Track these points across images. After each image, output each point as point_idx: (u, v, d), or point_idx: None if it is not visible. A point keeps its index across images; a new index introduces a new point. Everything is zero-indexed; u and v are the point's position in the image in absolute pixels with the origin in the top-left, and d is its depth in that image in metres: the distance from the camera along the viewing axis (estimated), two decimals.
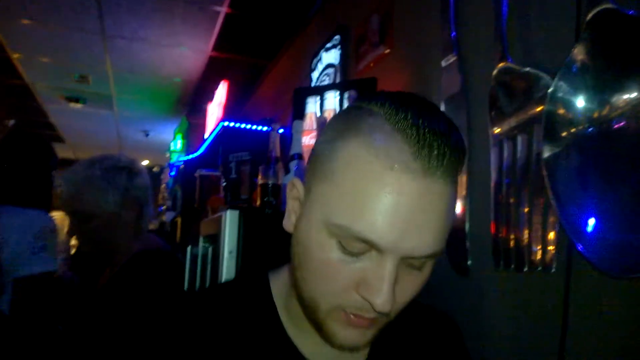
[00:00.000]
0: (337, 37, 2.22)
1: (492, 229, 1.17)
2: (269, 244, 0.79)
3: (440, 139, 0.43)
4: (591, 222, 0.83)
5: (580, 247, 0.84)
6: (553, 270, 1.01)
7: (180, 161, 3.97)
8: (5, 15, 3.14)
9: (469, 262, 1.29)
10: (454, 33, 1.39)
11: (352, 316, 0.48)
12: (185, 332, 0.54)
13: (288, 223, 0.54)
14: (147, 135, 6.06)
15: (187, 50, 3.47)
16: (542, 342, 1.04)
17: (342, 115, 0.51)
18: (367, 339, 0.50)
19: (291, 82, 2.93)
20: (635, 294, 0.82)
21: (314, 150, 0.52)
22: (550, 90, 0.93)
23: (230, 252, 1.22)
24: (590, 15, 0.87)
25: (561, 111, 0.92)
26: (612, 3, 0.83)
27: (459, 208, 1.34)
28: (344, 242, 0.45)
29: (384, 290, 0.44)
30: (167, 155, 4.50)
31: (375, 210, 0.43)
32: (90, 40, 3.40)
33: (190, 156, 3.70)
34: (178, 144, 4.48)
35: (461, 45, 1.38)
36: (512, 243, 1.12)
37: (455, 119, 1.36)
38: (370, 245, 0.45)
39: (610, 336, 0.89)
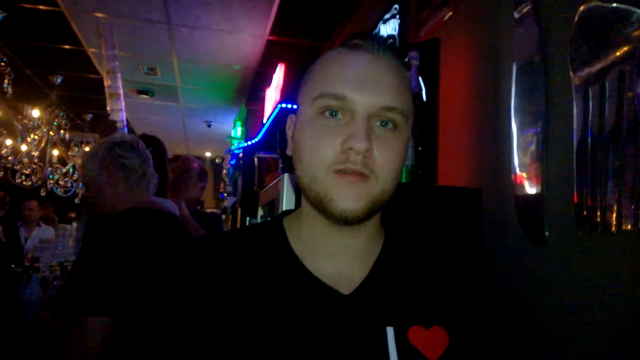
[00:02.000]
0: (396, 6, 2.12)
1: (575, 191, 1.05)
2: None
3: (381, 40, 0.66)
4: None
5: None
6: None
7: (240, 148, 4.04)
8: (79, 10, 3.34)
9: (546, 231, 1.17)
10: None
11: (344, 174, 0.57)
12: (204, 265, 0.63)
13: (289, 149, 0.66)
14: (209, 126, 6.24)
15: (245, 36, 3.50)
16: (631, 314, 0.91)
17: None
18: (361, 202, 0.58)
19: None
20: None
21: (302, 79, 0.66)
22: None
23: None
24: None
25: None
26: None
27: (534, 174, 1.22)
28: (323, 106, 0.59)
29: (358, 133, 0.57)
30: (228, 142, 4.60)
31: (340, 76, 0.60)
32: (157, 31, 3.54)
33: (250, 142, 3.75)
34: (238, 131, 4.57)
35: None
36: (598, 204, 0.99)
37: (530, 79, 1.26)
38: (342, 100, 0.58)
39: None
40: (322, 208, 0.60)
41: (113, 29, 2.42)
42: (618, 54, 0.96)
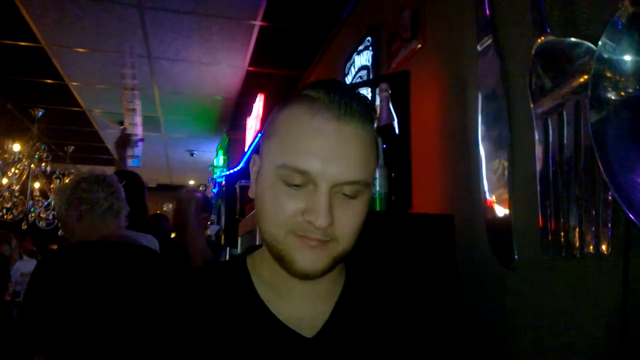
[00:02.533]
0: (369, 38, 2.20)
1: (540, 215, 1.09)
2: None
3: (347, 98, 0.59)
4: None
5: (633, 217, 0.75)
6: (608, 253, 0.91)
7: (222, 176, 4.05)
8: (61, 45, 3.37)
9: (515, 255, 1.20)
10: (488, 11, 1.33)
11: (303, 239, 0.58)
12: (167, 304, 0.63)
13: (251, 191, 0.67)
14: (192, 154, 6.25)
15: (225, 67, 3.56)
16: (599, 332, 0.93)
17: (281, 101, 0.65)
18: (323, 263, 0.59)
19: None
20: None
21: (265, 125, 0.66)
22: (596, 50, 0.85)
23: None
24: None
25: (609, 74, 0.83)
26: None
27: (501, 199, 1.26)
28: (286, 178, 0.58)
29: (321, 209, 0.56)
30: (211, 171, 4.61)
31: (305, 148, 0.57)
32: (138, 64, 3.58)
33: (231, 171, 3.76)
34: (220, 160, 4.59)
35: (497, 25, 1.32)
36: (561, 227, 1.03)
37: (494, 107, 1.31)
38: (305, 175, 0.57)
39: None
40: (284, 264, 0.60)
41: (135, 50, 2.48)
42: (574, 84, 1.01)
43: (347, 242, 0.60)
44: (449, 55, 1.63)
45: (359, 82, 2.07)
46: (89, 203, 1.49)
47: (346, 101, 0.58)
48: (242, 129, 3.91)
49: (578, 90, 0.99)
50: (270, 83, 3.60)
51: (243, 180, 2.94)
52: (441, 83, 1.66)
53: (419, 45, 1.79)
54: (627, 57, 0.80)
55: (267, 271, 0.65)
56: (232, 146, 4.44)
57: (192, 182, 8.09)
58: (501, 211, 1.26)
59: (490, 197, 1.30)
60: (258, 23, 2.86)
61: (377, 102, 1.42)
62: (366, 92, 1.70)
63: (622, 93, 0.80)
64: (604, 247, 0.92)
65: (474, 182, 1.38)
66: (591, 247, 0.95)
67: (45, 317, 1.26)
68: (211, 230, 4.07)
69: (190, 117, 4.79)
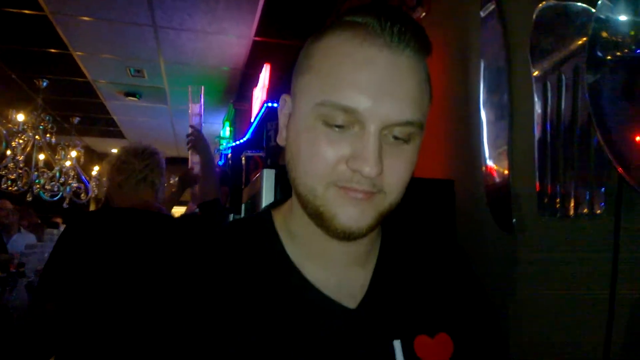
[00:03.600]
0: None
1: (537, 177, 1.12)
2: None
3: (402, 21, 0.49)
4: (638, 141, 0.77)
5: (626, 174, 0.78)
6: (600, 212, 0.95)
7: (229, 148, 4.08)
8: (66, 14, 3.36)
9: (513, 217, 1.24)
10: None
11: (347, 190, 0.50)
12: (195, 270, 0.56)
13: (280, 138, 0.58)
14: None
15: (231, 37, 3.54)
16: (592, 289, 0.98)
17: (321, 30, 0.55)
18: (369, 219, 0.51)
19: None
20: None
21: (296, 63, 0.56)
22: (594, 12, 0.86)
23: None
24: None
25: (605, 34, 0.85)
26: None
27: (501, 165, 1.29)
28: (328, 118, 0.49)
29: (369, 154, 0.48)
30: (217, 142, 4.64)
31: (351, 81, 0.48)
32: (143, 34, 3.57)
33: (238, 142, 3.79)
34: (227, 131, 4.60)
35: None
36: (557, 190, 1.06)
37: (496, 74, 1.32)
38: (351, 114, 0.48)
39: None
40: (321, 222, 0.52)
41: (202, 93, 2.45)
42: (572, 46, 1.03)
43: (396, 195, 0.52)
44: (453, 23, 1.63)
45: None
46: (125, 173, 1.59)
47: (400, 27, 0.49)
48: (249, 100, 3.91)
49: (576, 52, 1.01)
50: (277, 53, 3.58)
51: (249, 151, 2.96)
52: (445, 50, 1.67)
53: (424, 14, 1.79)
54: (623, 18, 0.81)
55: (299, 230, 0.57)
56: (239, 117, 4.44)
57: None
58: (501, 176, 1.29)
59: (490, 163, 1.33)
60: None
61: None
62: None
63: (618, 53, 0.82)
64: (597, 208, 0.96)
65: (475, 148, 1.40)
66: (585, 209, 0.99)
67: (65, 272, 1.37)
68: None
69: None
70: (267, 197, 1.24)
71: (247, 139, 3.64)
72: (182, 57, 3.96)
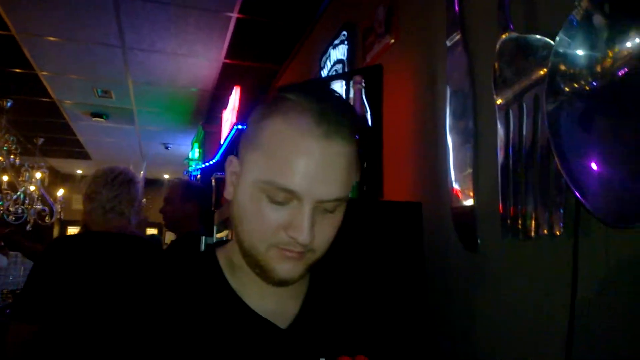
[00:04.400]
0: (344, 32, 2.24)
1: (500, 199, 1.16)
2: None
3: (335, 113, 0.59)
4: (594, 172, 0.81)
5: (582, 199, 0.82)
6: (560, 233, 0.99)
7: (198, 169, 4.03)
8: (33, 34, 3.29)
9: (478, 239, 1.27)
10: (457, 8, 1.39)
11: (284, 251, 0.60)
12: (141, 299, 0.64)
13: (227, 193, 0.66)
14: (166, 148, 6.19)
15: (201, 60, 3.55)
16: (552, 308, 1.01)
17: (266, 102, 0.64)
18: (299, 271, 0.62)
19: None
20: None
21: (246, 129, 0.66)
22: (554, 45, 0.92)
23: None
24: None
25: (563, 67, 0.90)
26: None
27: (466, 188, 1.33)
28: (271, 194, 0.59)
29: (304, 227, 0.58)
30: (186, 164, 4.58)
31: (292, 166, 0.57)
32: (111, 55, 3.53)
33: (207, 164, 3.76)
34: (196, 153, 4.56)
35: (465, 21, 1.38)
36: (519, 213, 1.10)
37: (461, 101, 1.38)
38: (291, 194, 0.58)
39: (621, 291, 0.86)
40: (260, 272, 0.62)
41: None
42: (533, 77, 1.08)
43: (323, 252, 0.63)
44: (420, 50, 1.70)
45: (334, 75, 2.12)
46: (94, 203, 1.61)
47: (336, 118, 0.58)
48: (218, 121, 3.90)
49: (537, 83, 1.06)
50: (247, 76, 3.61)
51: (219, 173, 2.94)
52: (412, 77, 1.73)
53: (392, 40, 1.85)
54: (580, 52, 0.86)
55: (240, 271, 0.66)
56: (208, 139, 4.42)
57: (166, 176, 8.00)
58: (466, 199, 1.33)
59: (456, 186, 1.37)
60: (235, 15, 2.87)
61: (351, 94, 1.47)
62: (340, 85, 1.74)
63: (575, 85, 0.87)
64: (556, 229, 1.00)
65: (442, 171, 1.44)
66: (545, 230, 1.03)
67: (43, 295, 1.40)
68: None
69: (165, 110, 4.75)
70: None
71: (217, 161, 3.61)
72: (151, 78, 3.93)
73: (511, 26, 1.16)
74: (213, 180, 2.98)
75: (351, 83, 1.61)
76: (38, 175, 5.38)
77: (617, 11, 0.83)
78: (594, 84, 0.86)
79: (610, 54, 0.83)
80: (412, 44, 1.75)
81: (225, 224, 1.47)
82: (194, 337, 0.61)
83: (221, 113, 3.79)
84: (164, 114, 4.88)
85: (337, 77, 1.88)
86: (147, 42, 3.29)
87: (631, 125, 0.79)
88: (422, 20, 1.70)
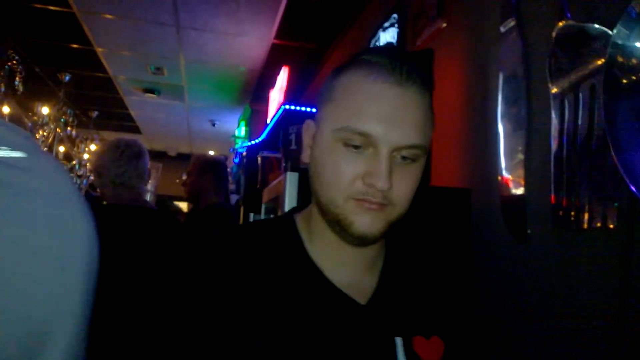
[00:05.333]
0: (395, 15, 2.23)
1: (552, 191, 1.15)
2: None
3: (408, 65, 0.60)
4: None
5: (638, 193, 0.82)
6: (613, 227, 0.98)
7: (244, 147, 4.14)
8: (90, 11, 3.45)
9: (528, 229, 1.27)
10: None
11: (362, 202, 0.59)
12: (217, 264, 0.61)
13: (305, 155, 0.67)
14: (213, 125, 6.36)
15: (251, 39, 3.61)
16: (602, 303, 1.02)
17: (338, 67, 0.66)
18: (380, 226, 0.60)
19: None
20: None
21: (321, 90, 0.66)
22: (611, 37, 0.90)
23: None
24: None
25: (621, 59, 0.89)
26: None
27: (517, 176, 1.33)
28: (347, 139, 0.59)
29: (381, 171, 0.57)
30: (232, 141, 4.70)
31: (367, 110, 0.58)
32: (165, 33, 3.65)
33: (253, 142, 3.85)
34: (242, 131, 4.68)
35: (520, 8, 1.35)
36: (572, 204, 1.10)
37: (514, 87, 1.36)
38: (366, 137, 0.58)
39: None
40: (339, 228, 0.61)
41: None
42: (590, 67, 1.06)
43: (403, 207, 0.61)
44: (473, 35, 1.67)
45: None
46: (102, 178, 1.66)
47: (407, 68, 0.59)
48: (265, 100, 3.97)
49: (594, 73, 1.05)
50: (295, 56, 3.64)
51: (265, 152, 3.02)
52: (463, 62, 1.71)
53: (444, 24, 1.83)
54: (639, 44, 0.85)
55: (318, 234, 0.66)
56: (255, 117, 4.51)
57: (212, 152, 8.24)
58: (516, 188, 1.33)
59: (506, 174, 1.37)
60: None
61: None
62: None
63: (634, 77, 0.86)
64: (610, 223, 1.00)
65: (491, 158, 1.44)
66: (598, 223, 1.03)
67: None
68: (231, 200, 4.20)
69: (213, 87, 4.87)
70: (289, 199, 1.29)
71: (263, 140, 3.70)
72: (202, 56, 4.04)
73: (568, 14, 1.14)
74: (259, 159, 3.07)
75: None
76: (92, 147, 5.68)
77: None
78: None
79: None
80: (465, 28, 1.73)
81: (274, 202, 1.53)
82: (269, 311, 0.59)
83: (268, 92, 3.85)
84: (213, 91, 5.01)
85: None
86: (200, 21, 3.37)
87: None
88: (475, 5, 1.67)
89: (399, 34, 2.18)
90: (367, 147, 0.59)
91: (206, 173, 2.48)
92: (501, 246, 1.38)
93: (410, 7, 2.14)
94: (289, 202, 1.29)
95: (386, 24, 2.31)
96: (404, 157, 0.60)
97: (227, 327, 0.57)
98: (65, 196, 0.48)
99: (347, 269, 0.65)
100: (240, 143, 4.41)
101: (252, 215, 1.94)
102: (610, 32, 0.96)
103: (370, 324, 0.63)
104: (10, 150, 0.43)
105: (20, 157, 0.44)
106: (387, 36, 2.29)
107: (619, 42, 0.88)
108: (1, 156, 0.43)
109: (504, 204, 1.37)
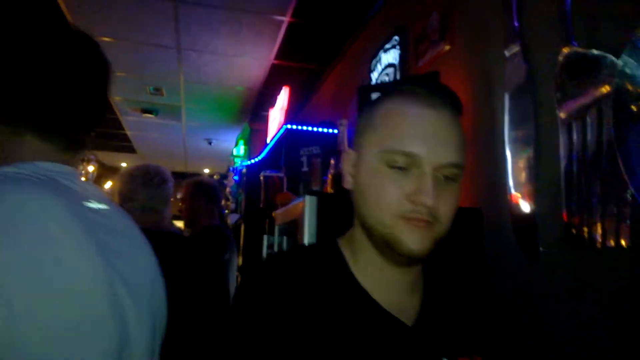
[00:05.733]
0: (396, 37, 2.29)
1: (564, 210, 1.19)
2: (341, 225, 0.88)
3: (442, 92, 0.66)
4: None
5: None
6: (626, 245, 1.02)
7: (243, 166, 4.16)
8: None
9: (540, 247, 1.31)
10: (516, 22, 1.43)
11: (411, 220, 0.62)
12: (270, 291, 0.63)
13: (346, 182, 0.71)
14: (210, 143, 6.40)
15: (251, 59, 3.67)
16: (617, 318, 1.05)
17: (374, 99, 0.71)
18: (428, 242, 0.63)
19: (350, 84, 3.03)
20: None
21: (357, 122, 0.71)
22: (617, 66, 0.96)
23: (309, 234, 1.31)
24: None
25: (629, 87, 0.94)
26: None
27: (527, 195, 1.37)
28: (391, 161, 0.63)
29: (428, 188, 0.61)
30: (231, 160, 4.72)
31: (410, 132, 0.63)
32: (166, 55, 3.69)
33: (253, 160, 3.88)
34: (241, 149, 4.71)
35: (524, 34, 1.41)
36: (585, 222, 1.13)
37: (520, 108, 1.41)
38: (411, 157, 0.62)
39: None
40: (389, 247, 0.63)
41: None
42: (597, 94, 1.12)
43: (448, 224, 0.64)
44: (477, 58, 1.73)
45: (392, 82, 2.17)
46: (131, 202, 1.69)
47: (442, 94, 0.65)
48: (264, 119, 4.02)
49: (600, 99, 1.10)
50: (294, 76, 3.70)
51: (268, 171, 3.05)
52: (468, 84, 1.77)
53: (447, 47, 1.89)
54: None
55: (363, 258, 0.68)
56: (254, 136, 4.55)
57: (206, 171, 8.24)
58: (526, 206, 1.37)
59: (515, 193, 1.41)
60: (287, 19, 2.96)
61: None
62: None
63: None
64: (623, 241, 1.04)
65: (501, 178, 1.49)
66: (612, 241, 1.07)
67: None
68: (231, 219, 4.20)
69: (211, 107, 4.91)
70: (309, 222, 1.32)
71: (263, 158, 3.72)
72: (202, 77, 4.09)
73: (573, 41, 1.20)
74: (262, 178, 3.10)
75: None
76: (90, 168, 5.69)
77: None
78: None
79: None
80: (468, 51, 1.79)
81: (290, 225, 1.56)
82: (320, 334, 0.61)
83: (267, 111, 3.90)
84: (210, 110, 5.05)
85: (396, 83, 1.94)
86: (201, 43, 3.43)
87: None
88: (479, 27, 1.73)
89: (401, 56, 2.24)
90: (411, 167, 0.62)
91: (199, 196, 2.58)
92: (514, 265, 1.41)
93: (412, 30, 2.21)
94: (309, 224, 1.32)
95: (387, 46, 2.38)
96: (445, 177, 0.63)
97: (287, 353, 0.60)
98: (140, 236, 0.67)
99: (392, 291, 0.67)
100: (239, 162, 4.44)
101: (265, 237, 1.96)
102: (615, 58, 1.02)
103: (418, 345, 0.65)
104: (99, 203, 0.54)
105: (105, 208, 0.54)
106: (389, 57, 2.35)
107: (627, 71, 0.93)
108: (95, 207, 0.54)
109: (515, 222, 1.41)
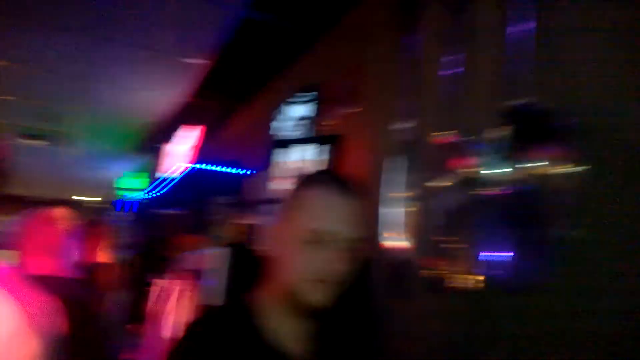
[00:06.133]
0: (309, 93, 2.57)
1: (425, 264, 1.50)
2: (250, 273, 1.00)
3: (347, 186, 0.84)
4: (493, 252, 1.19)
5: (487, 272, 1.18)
6: (469, 291, 1.33)
7: (138, 199, 4.04)
8: None
9: (409, 289, 1.59)
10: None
11: (316, 281, 0.78)
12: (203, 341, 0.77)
13: (269, 247, 0.86)
14: (98, 172, 6.03)
15: (160, 96, 3.69)
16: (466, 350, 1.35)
17: (304, 182, 0.88)
18: (327, 298, 0.79)
19: (257, 129, 3.19)
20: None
21: (285, 199, 0.87)
22: (474, 157, 1.29)
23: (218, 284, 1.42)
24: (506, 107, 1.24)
25: (482, 172, 1.28)
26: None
27: (398, 244, 1.68)
28: (304, 237, 0.79)
29: (335, 260, 0.78)
30: (116, 191, 4.50)
31: (320, 214, 0.80)
32: (69, 82, 3.54)
33: (151, 195, 3.80)
34: (132, 182, 4.54)
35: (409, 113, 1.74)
36: (439, 272, 1.44)
37: (399, 174, 1.73)
38: (320, 233, 0.78)
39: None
40: (300, 301, 0.79)
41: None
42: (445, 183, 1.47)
43: (343, 283, 0.80)
44: (381, 122, 1.96)
45: (298, 139, 2.43)
46: None
47: (347, 187, 0.84)
48: (160, 154, 3.97)
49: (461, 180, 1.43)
50: (204, 114, 3.76)
51: (172, 208, 3.03)
52: (368, 144, 2.05)
53: (355, 109, 2.16)
54: (495, 165, 1.25)
55: (272, 316, 0.83)
56: (149, 171, 4.43)
57: (98, 199, 7.67)
58: (401, 254, 1.66)
59: (388, 243, 1.71)
60: (199, 61, 3.07)
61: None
62: (302, 148, 2.04)
63: (487, 189, 1.25)
64: (470, 284, 1.35)
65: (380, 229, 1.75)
66: (457, 287, 1.37)
67: None
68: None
69: (107, 137, 4.70)
70: (222, 271, 1.41)
71: (162, 195, 3.68)
72: (104, 107, 3.96)
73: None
74: (163, 216, 3.06)
75: (313, 148, 1.90)
76: None
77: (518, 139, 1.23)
78: (501, 189, 1.23)
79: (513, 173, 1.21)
80: (375, 114, 2.03)
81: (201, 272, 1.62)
82: None
83: (165, 146, 3.87)
84: (105, 140, 4.83)
85: (301, 141, 2.19)
86: (108, 76, 3.36)
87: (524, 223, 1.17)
88: (384, 97, 1.98)
89: (311, 110, 2.51)
90: (321, 240, 0.78)
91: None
92: (393, 304, 1.68)
93: (324, 89, 2.48)
94: (221, 274, 1.41)
95: (299, 99, 2.63)
96: (347, 247, 0.80)
97: None
98: None
99: (291, 338, 0.82)
100: (128, 194, 4.28)
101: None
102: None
103: None
104: None
105: None
106: (300, 109, 2.61)
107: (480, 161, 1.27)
108: None
109: (389, 268, 1.69)
